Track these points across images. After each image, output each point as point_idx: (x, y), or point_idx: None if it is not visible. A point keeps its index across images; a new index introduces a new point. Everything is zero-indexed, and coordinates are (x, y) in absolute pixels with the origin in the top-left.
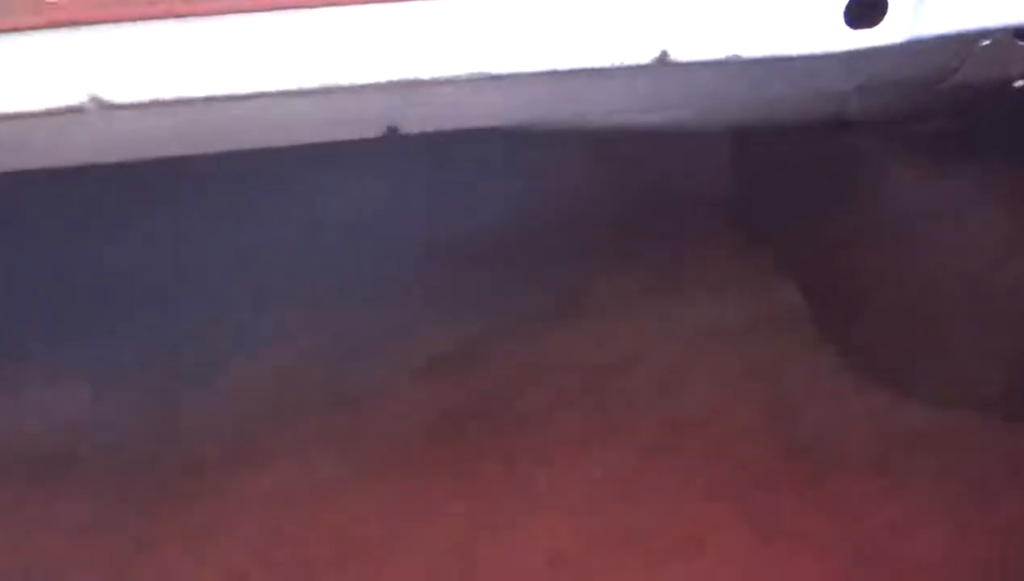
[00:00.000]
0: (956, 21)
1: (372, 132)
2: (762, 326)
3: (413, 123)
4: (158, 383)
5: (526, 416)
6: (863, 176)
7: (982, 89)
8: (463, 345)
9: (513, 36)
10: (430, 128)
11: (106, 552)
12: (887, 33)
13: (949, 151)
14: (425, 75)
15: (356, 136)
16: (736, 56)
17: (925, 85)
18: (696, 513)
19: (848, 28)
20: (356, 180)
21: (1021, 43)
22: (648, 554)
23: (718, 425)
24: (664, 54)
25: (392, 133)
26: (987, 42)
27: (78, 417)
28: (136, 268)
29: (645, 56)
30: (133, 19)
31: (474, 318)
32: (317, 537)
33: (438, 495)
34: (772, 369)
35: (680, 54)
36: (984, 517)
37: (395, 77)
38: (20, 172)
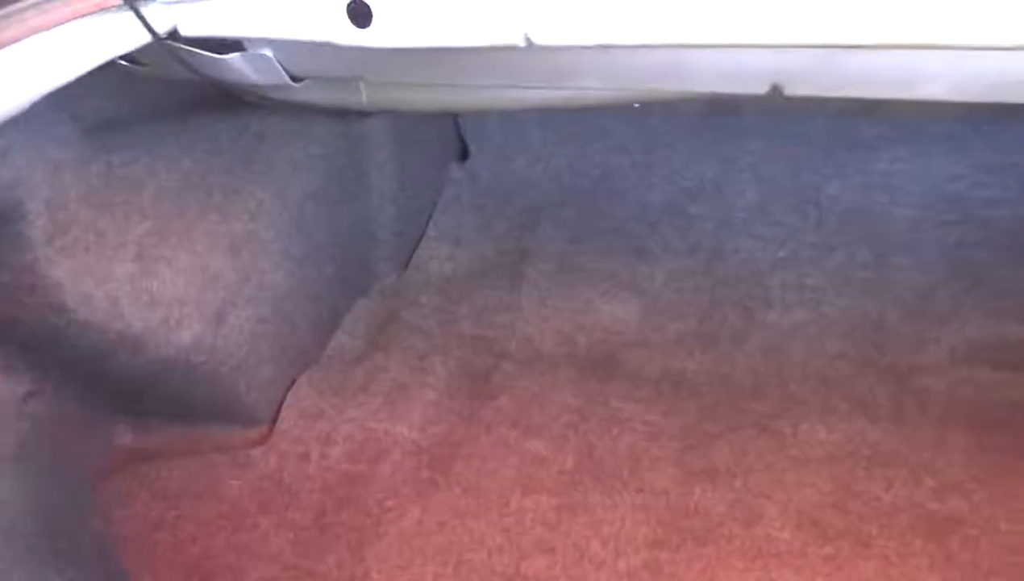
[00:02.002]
0: None
1: (758, 89)
2: None
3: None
4: (705, 311)
5: None
6: None
7: None
8: (1016, 347)
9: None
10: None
11: (668, 454)
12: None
13: None
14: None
15: (743, 91)
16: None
17: None
18: None
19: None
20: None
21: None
22: None
23: None
24: None
25: (775, 92)
26: None
27: (624, 330)
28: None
29: None
30: None
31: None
32: (888, 498)
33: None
34: None
35: None
36: None
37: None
38: None
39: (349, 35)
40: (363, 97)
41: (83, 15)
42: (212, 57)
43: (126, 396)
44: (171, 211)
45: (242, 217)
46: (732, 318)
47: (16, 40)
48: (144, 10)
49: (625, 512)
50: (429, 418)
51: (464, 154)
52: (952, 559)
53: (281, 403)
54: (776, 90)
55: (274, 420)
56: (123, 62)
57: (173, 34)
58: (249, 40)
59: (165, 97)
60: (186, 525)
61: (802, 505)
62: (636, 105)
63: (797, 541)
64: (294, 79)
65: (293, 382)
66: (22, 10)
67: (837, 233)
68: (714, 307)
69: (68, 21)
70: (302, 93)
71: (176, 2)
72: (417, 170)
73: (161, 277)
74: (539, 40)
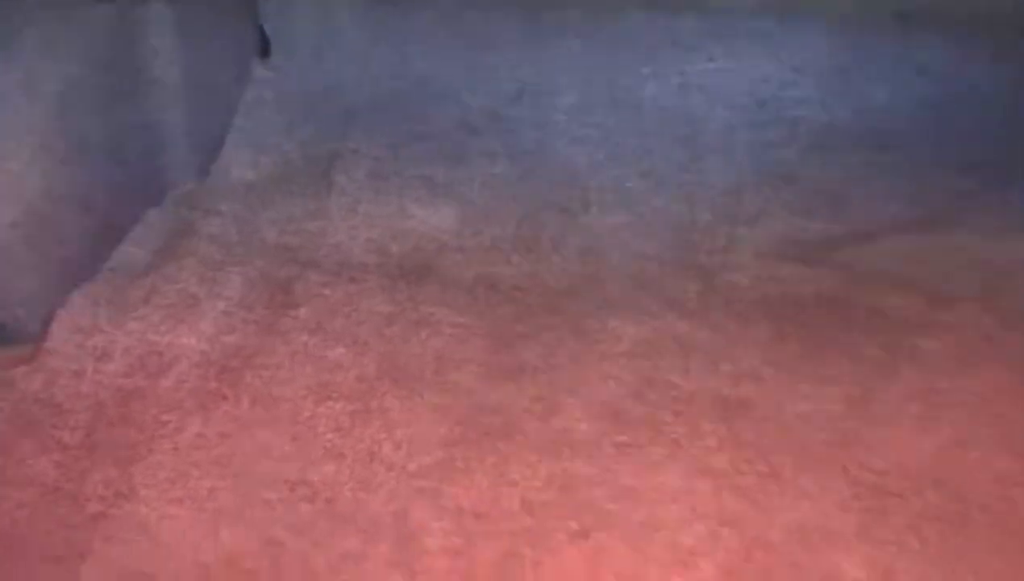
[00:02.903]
0: None
1: None
2: None
3: None
4: (524, 215)
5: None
6: None
7: None
8: (819, 243)
9: None
10: None
11: (476, 355)
12: None
13: None
14: None
15: None
16: None
17: None
18: None
19: None
20: None
21: None
22: None
23: None
24: None
25: None
26: None
27: (440, 236)
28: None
29: None
30: None
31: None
32: (685, 386)
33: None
34: None
35: None
36: None
37: None
38: None
39: None
40: None
41: None
42: None
43: None
44: None
45: None
46: (551, 222)
47: None
48: None
49: (423, 413)
50: (220, 329)
51: (265, 50)
52: (739, 439)
53: (50, 319)
54: None
55: (41, 338)
56: None
57: None
58: None
59: None
60: None
61: (603, 398)
62: None
63: (594, 431)
64: None
65: (67, 298)
66: None
67: (654, 135)
68: (533, 212)
69: None
70: None
71: None
72: (211, 66)
73: None
74: None
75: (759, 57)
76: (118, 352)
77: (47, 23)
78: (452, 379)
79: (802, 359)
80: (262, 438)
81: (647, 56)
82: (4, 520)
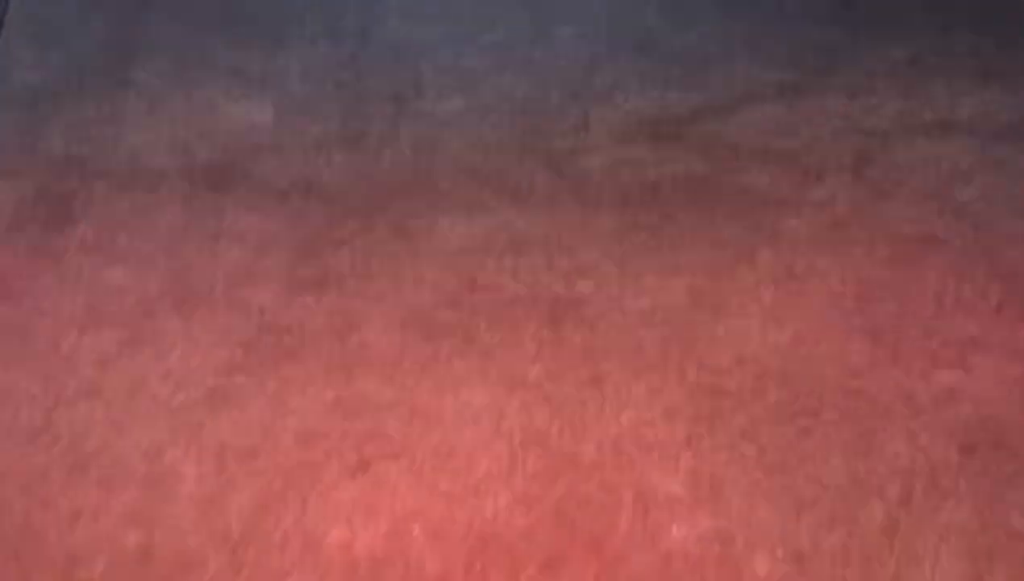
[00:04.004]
0: None
1: None
2: None
3: None
4: (350, 106)
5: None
6: None
7: None
8: (678, 118)
9: None
10: None
11: (277, 267)
12: None
13: None
14: None
15: None
16: None
17: None
18: None
19: None
20: None
21: None
22: None
23: None
24: None
25: None
26: None
27: (254, 135)
28: None
29: None
30: None
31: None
32: (512, 287)
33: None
34: None
35: None
36: None
37: None
38: None
39: None
40: None
41: None
42: None
43: None
44: None
45: None
46: (380, 113)
47: None
48: None
49: (202, 337)
50: None
51: None
52: (562, 345)
53: None
54: None
55: None
56: None
57: None
58: None
59: None
60: None
61: (415, 306)
62: None
63: (395, 346)
64: None
65: None
66: None
67: (496, 4)
68: (360, 101)
69: None
70: None
71: None
72: None
73: None
74: None
75: None
76: None
77: None
78: (243, 296)
79: (649, 250)
80: (6, 379)
81: None
82: None
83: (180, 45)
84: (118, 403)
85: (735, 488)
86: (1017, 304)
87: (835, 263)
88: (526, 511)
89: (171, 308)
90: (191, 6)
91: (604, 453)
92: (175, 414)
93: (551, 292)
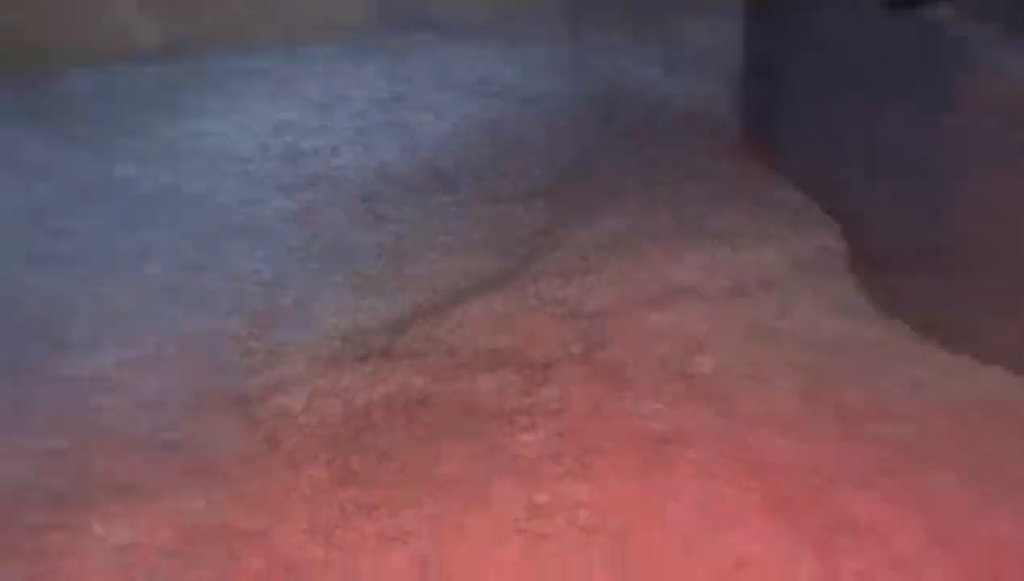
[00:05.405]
0: None
1: None
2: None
3: None
4: None
5: None
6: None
7: None
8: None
9: None
10: None
11: None
12: None
13: None
14: None
15: None
16: None
17: None
18: None
19: None
20: None
21: None
22: None
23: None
24: None
25: None
26: None
27: None
28: None
29: None
30: None
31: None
32: None
33: None
34: None
35: None
36: None
37: None
38: None
39: None
40: None
41: None
42: None
43: None
44: None
45: None
46: None
47: None
48: None
49: None
50: None
51: None
52: None
53: None
54: None
55: None
56: None
57: None
58: None
59: None
60: None
61: None
62: None
63: None
64: None
65: None
66: None
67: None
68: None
69: None
70: None
71: None
72: None
73: None
74: None
75: None
76: None
77: None
78: None
79: (363, 511)
80: None
81: None
82: None
83: None
84: None
85: None
86: (775, 501)
87: (581, 486)
88: None
89: None
90: None
91: None
92: None
93: None
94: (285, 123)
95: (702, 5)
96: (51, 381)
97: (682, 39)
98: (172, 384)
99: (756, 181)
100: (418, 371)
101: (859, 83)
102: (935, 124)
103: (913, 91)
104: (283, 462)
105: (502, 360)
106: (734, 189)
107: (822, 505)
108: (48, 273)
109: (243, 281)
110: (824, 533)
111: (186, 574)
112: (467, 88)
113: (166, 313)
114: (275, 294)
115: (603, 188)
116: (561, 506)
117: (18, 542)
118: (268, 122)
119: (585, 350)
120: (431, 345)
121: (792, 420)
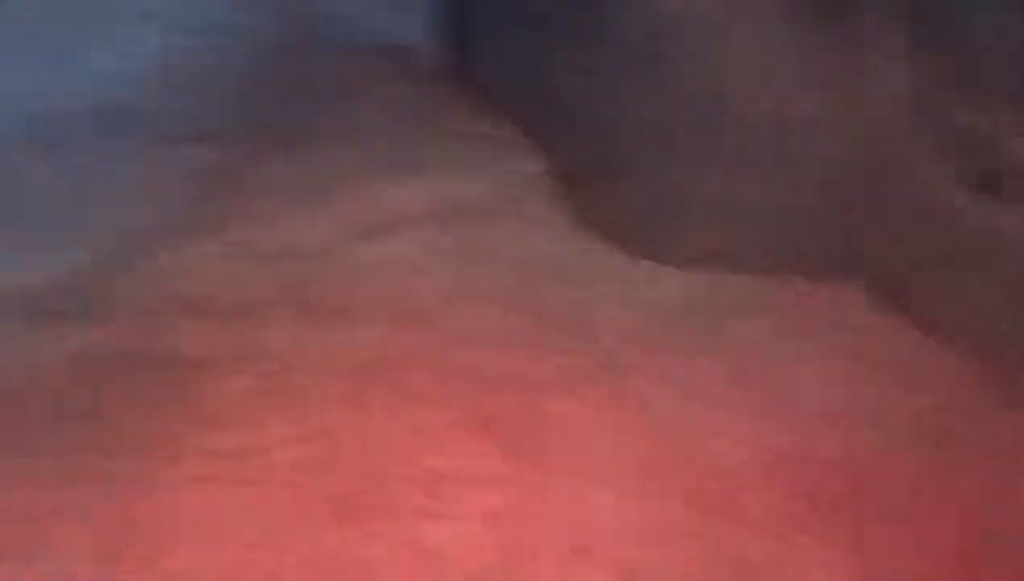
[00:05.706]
0: None
1: None
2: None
3: None
4: None
5: None
6: None
7: None
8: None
9: None
10: None
11: None
12: None
13: None
14: None
15: None
16: None
17: None
18: None
19: None
20: None
21: None
22: None
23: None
24: None
25: None
26: None
27: None
28: None
29: None
30: None
31: None
32: None
33: None
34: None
35: None
36: None
37: None
38: None
39: None
40: None
41: None
42: None
43: None
44: None
45: None
46: None
47: None
48: None
49: None
50: None
51: None
52: None
53: None
54: None
55: None
56: None
57: None
58: None
59: None
60: None
61: None
62: None
63: None
64: None
65: None
66: None
67: None
68: None
69: None
70: None
71: None
72: None
73: None
74: None
75: None
76: None
77: None
78: None
79: None
80: None
81: None
82: None
83: None
84: None
85: None
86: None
87: (285, 426)
88: None
89: None
90: None
91: None
92: None
93: None
94: None
95: None
96: None
97: None
98: None
99: (461, 112)
100: (106, 328)
101: (549, 16)
102: (598, 52)
103: (587, 24)
104: None
105: (200, 309)
106: (439, 121)
107: (525, 415)
108: None
109: None
110: (524, 439)
111: None
112: (155, 21)
113: None
114: None
115: (304, 125)
116: (264, 447)
117: None
118: None
119: (289, 290)
120: (120, 298)
121: (496, 336)
